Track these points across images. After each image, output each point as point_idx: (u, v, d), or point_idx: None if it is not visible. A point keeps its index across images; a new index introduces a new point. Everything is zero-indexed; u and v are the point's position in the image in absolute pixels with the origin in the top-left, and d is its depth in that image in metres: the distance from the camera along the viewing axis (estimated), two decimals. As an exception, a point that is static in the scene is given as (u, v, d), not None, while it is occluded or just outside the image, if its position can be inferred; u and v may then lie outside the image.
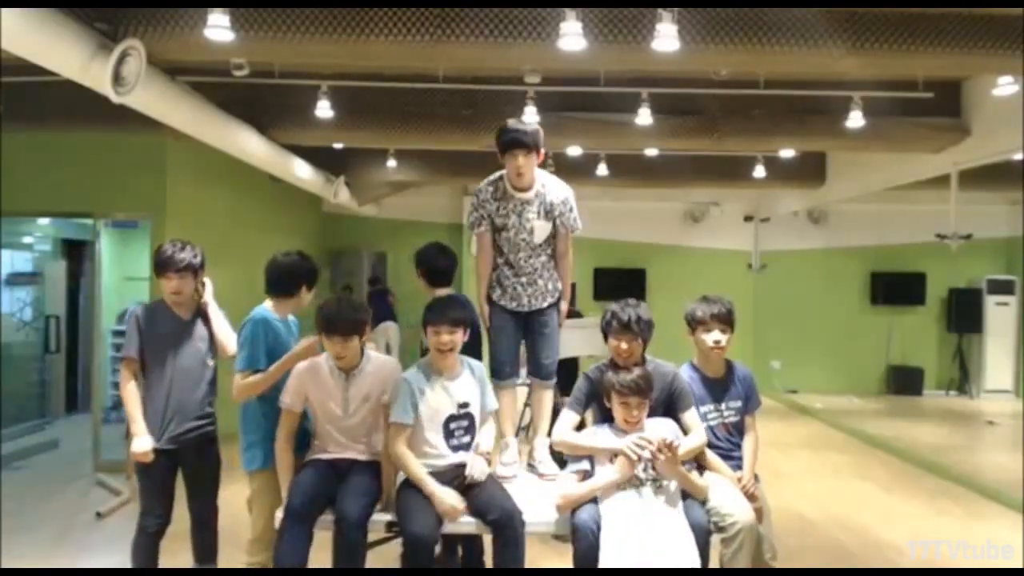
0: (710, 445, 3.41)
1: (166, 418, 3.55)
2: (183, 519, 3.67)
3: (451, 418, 3.29)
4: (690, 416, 3.35)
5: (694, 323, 3.48)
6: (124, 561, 4.51)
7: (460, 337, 3.31)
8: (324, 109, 6.43)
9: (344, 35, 4.50)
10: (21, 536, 5.18)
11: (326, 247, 12.04)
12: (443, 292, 3.81)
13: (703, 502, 3.20)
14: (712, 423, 3.47)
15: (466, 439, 3.32)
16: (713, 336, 3.43)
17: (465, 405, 3.33)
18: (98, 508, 5.80)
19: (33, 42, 3.88)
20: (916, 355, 12.34)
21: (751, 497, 3.28)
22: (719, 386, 3.50)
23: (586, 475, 3.18)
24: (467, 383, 3.37)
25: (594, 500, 3.10)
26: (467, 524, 3.17)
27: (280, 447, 3.35)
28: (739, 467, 3.44)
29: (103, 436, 7.28)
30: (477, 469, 3.22)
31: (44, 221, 9.02)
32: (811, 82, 6.55)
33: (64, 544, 5.12)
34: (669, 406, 3.35)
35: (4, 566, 4.49)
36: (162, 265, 3.56)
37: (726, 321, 3.44)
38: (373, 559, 3.20)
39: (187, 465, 3.63)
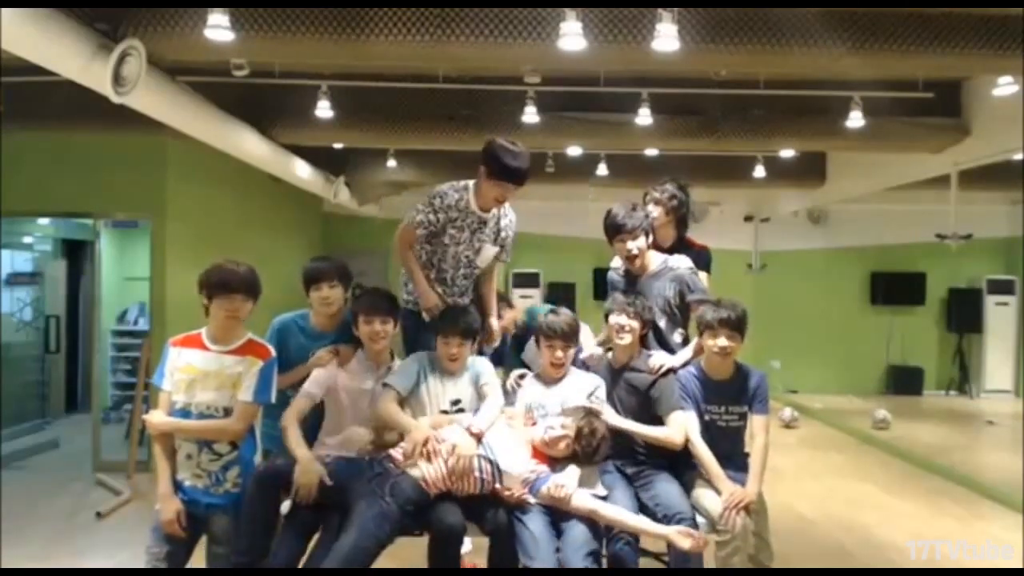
0: (711, 447, 3.41)
1: None
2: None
3: (443, 412, 3.35)
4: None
5: (703, 326, 3.47)
6: (124, 561, 4.52)
7: (467, 350, 3.41)
8: (324, 109, 6.44)
9: (344, 35, 4.50)
10: (21, 536, 5.18)
11: (327, 247, 12.03)
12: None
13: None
14: (714, 426, 3.47)
15: None
16: (720, 341, 3.40)
17: (457, 402, 3.39)
18: (98, 508, 5.80)
19: (33, 42, 3.87)
20: (916, 355, 12.33)
21: (744, 509, 3.26)
22: (723, 389, 3.48)
23: None
24: (463, 383, 3.42)
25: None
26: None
27: (288, 422, 3.23)
28: (740, 469, 3.43)
29: (103, 436, 7.29)
30: (462, 444, 3.10)
31: (44, 221, 9.01)
32: (811, 82, 6.55)
33: (64, 544, 5.13)
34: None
35: (4, 566, 4.49)
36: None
37: (734, 328, 3.40)
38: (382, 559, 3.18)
39: None
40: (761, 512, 3.44)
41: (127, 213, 7.43)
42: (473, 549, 3.86)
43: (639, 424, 3.43)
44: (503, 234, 3.66)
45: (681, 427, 3.40)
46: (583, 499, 3.09)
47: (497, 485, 3.14)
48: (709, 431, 3.44)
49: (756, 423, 3.48)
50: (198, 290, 3.10)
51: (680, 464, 3.49)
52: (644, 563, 3.72)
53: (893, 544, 5.27)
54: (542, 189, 10.08)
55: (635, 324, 3.45)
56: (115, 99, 4.47)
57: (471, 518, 3.14)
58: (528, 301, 10.11)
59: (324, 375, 3.38)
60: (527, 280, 12.03)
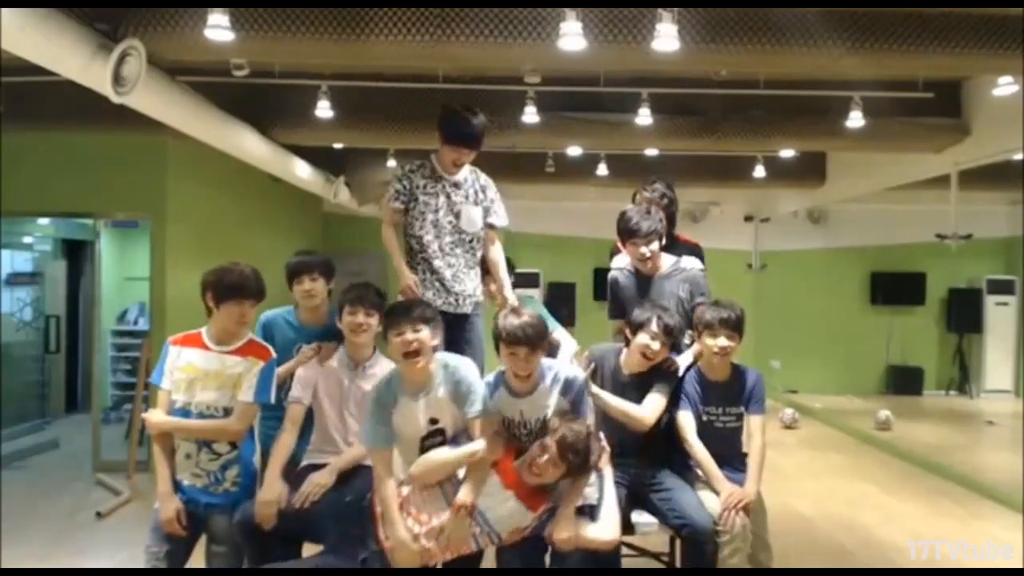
0: (708, 448, 3.40)
1: None
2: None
3: (424, 437, 3.03)
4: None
5: (701, 327, 3.46)
6: (124, 561, 4.52)
7: (428, 337, 2.97)
8: (324, 109, 6.44)
9: (344, 35, 4.50)
10: (21, 536, 5.18)
11: (327, 247, 12.02)
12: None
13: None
14: (711, 427, 3.47)
15: None
16: (719, 342, 3.40)
17: (435, 421, 3.03)
18: (98, 508, 5.80)
19: (33, 42, 3.87)
20: (916, 355, 12.32)
21: (744, 509, 3.26)
22: (722, 390, 3.48)
23: None
24: (438, 393, 3.03)
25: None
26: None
27: (279, 438, 3.26)
28: (737, 469, 3.44)
29: (103, 436, 7.29)
30: (454, 532, 2.89)
31: (44, 221, 9.02)
32: (811, 82, 6.55)
33: (64, 544, 5.12)
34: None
35: (4, 566, 4.49)
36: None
37: (734, 328, 3.40)
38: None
39: None
40: (760, 512, 3.44)
41: (127, 213, 7.43)
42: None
43: (613, 396, 3.34)
44: (484, 192, 3.72)
45: (656, 409, 3.33)
46: (596, 533, 2.99)
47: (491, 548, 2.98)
48: (706, 432, 3.44)
49: (753, 423, 3.49)
50: (202, 292, 3.10)
51: (676, 465, 3.50)
52: (644, 563, 3.73)
53: (893, 544, 5.26)
54: (542, 189, 10.07)
55: (664, 353, 3.36)
56: (115, 99, 4.47)
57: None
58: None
59: (307, 375, 3.37)
60: (527, 280, 12.00)
